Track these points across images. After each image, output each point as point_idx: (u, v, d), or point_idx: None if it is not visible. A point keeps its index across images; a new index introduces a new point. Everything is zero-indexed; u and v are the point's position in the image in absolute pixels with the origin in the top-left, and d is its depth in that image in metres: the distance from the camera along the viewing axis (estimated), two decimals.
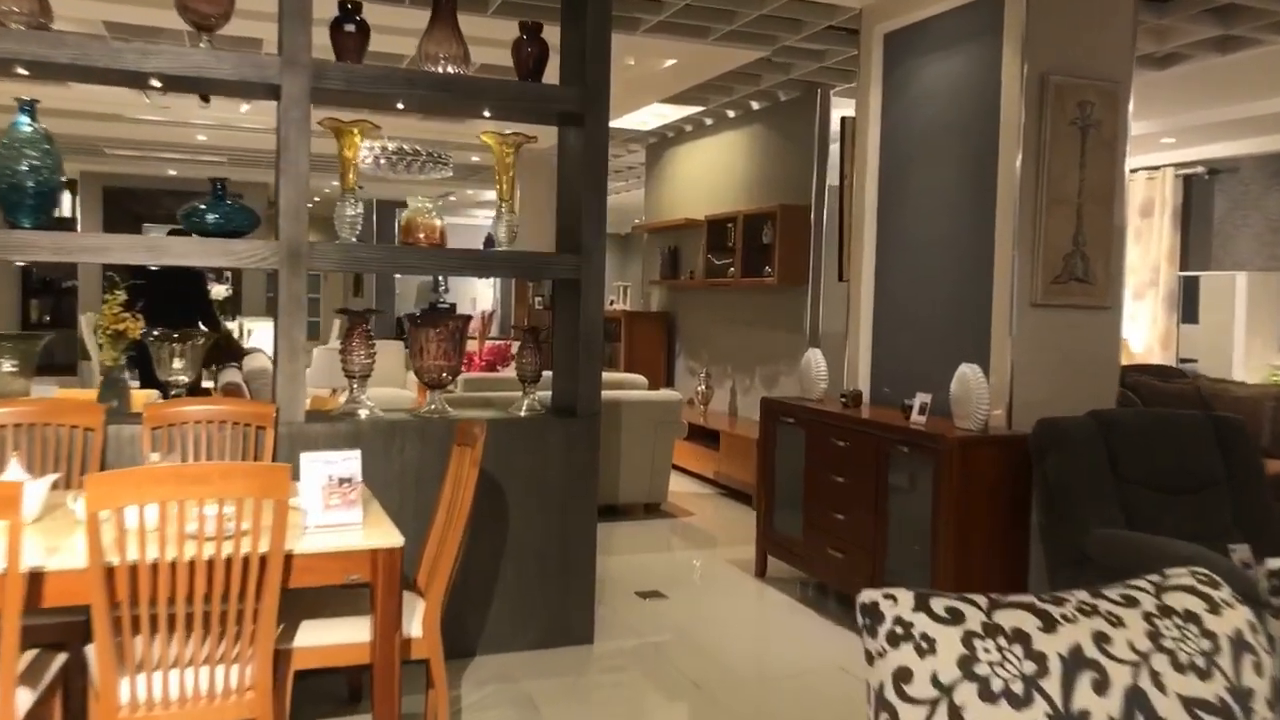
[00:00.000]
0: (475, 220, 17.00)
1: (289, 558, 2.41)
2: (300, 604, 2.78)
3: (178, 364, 3.54)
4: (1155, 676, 1.59)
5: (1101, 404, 4.07)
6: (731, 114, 8.22)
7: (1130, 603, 1.71)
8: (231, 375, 6.43)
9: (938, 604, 1.63)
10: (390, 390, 6.69)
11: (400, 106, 3.96)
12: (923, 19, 4.65)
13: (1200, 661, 1.64)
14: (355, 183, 3.79)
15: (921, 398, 4.14)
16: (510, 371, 6.54)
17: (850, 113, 6.55)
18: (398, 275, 16.49)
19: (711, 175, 8.65)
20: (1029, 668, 1.54)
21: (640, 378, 6.75)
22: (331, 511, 2.61)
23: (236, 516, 2.26)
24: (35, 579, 2.24)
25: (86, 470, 3.24)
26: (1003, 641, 1.58)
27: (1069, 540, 3.57)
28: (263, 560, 2.30)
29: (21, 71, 3.39)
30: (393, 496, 3.62)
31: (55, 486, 2.94)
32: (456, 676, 3.61)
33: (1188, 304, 8.92)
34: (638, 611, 4.49)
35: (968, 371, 3.92)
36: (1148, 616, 1.69)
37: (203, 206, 3.63)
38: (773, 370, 7.63)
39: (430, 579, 2.96)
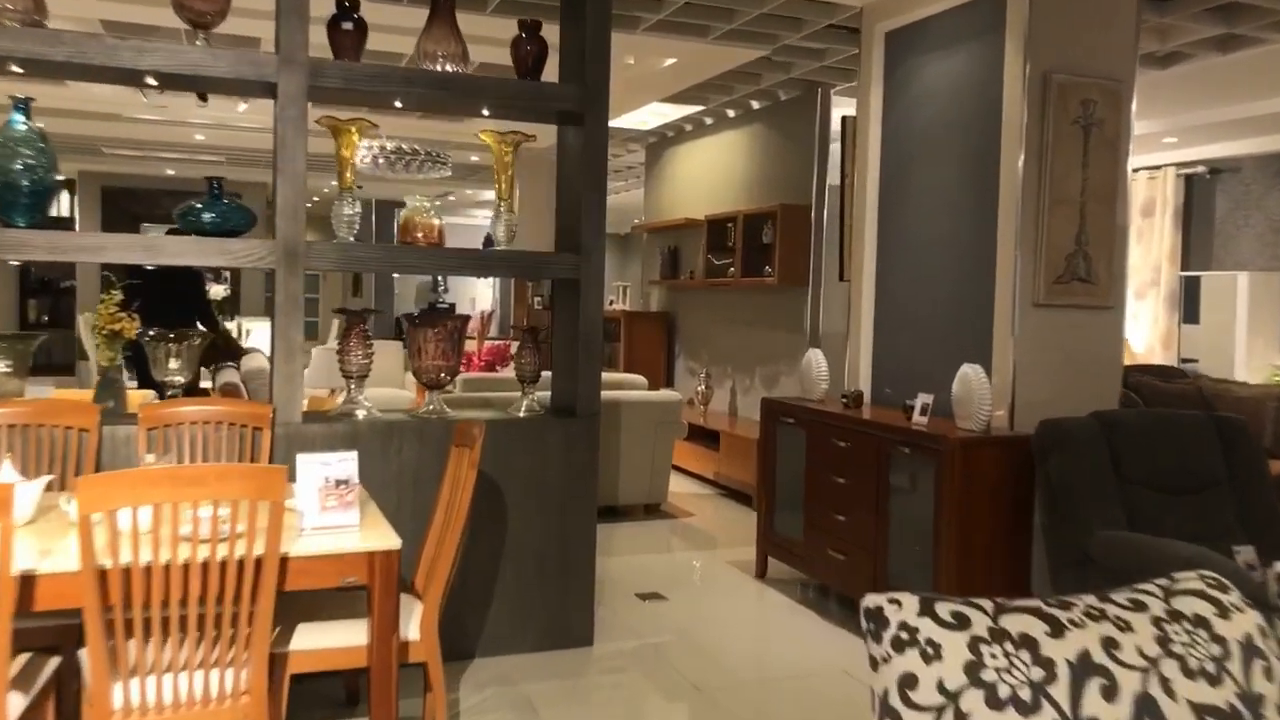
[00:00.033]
0: (474, 220, 16.98)
1: (284, 560, 2.38)
2: (296, 606, 2.75)
3: (173, 364, 3.51)
4: (1165, 683, 1.56)
5: (1104, 404, 4.05)
6: (731, 113, 8.19)
7: (1139, 607, 1.69)
8: (229, 375, 6.41)
9: (943, 609, 1.60)
10: (389, 390, 6.65)
11: (398, 105, 3.93)
12: (924, 17, 4.63)
13: (1210, 667, 1.62)
14: (353, 182, 3.76)
15: (923, 398, 4.11)
16: (509, 372, 6.52)
17: (851, 112, 6.52)
18: (397, 275, 16.47)
19: (711, 175, 8.63)
20: (1037, 674, 1.51)
21: (640, 378, 6.73)
22: (328, 513, 2.58)
23: (231, 519, 2.24)
24: (27, 582, 2.21)
25: (82, 472, 3.21)
26: (1010, 647, 1.56)
27: (1072, 541, 3.54)
28: (258, 563, 2.27)
29: (16, 69, 3.36)
30: (390, 498, 3.60)
31: (49, 488, 2.91)
32: (455, 679, 3.59)
33: (1188, 304, 8.90)
34: (638, 613, 4.46)
35: (970, 372, 3.90)
36: (1157, 621, 1.67)
37: (199, 205, 3.60)
38: (773, 370, 7.60)
39: (428, 581, 2.93)
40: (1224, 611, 1.71)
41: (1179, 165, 8.69)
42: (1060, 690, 1.50)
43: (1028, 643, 1.57)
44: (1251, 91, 6.49)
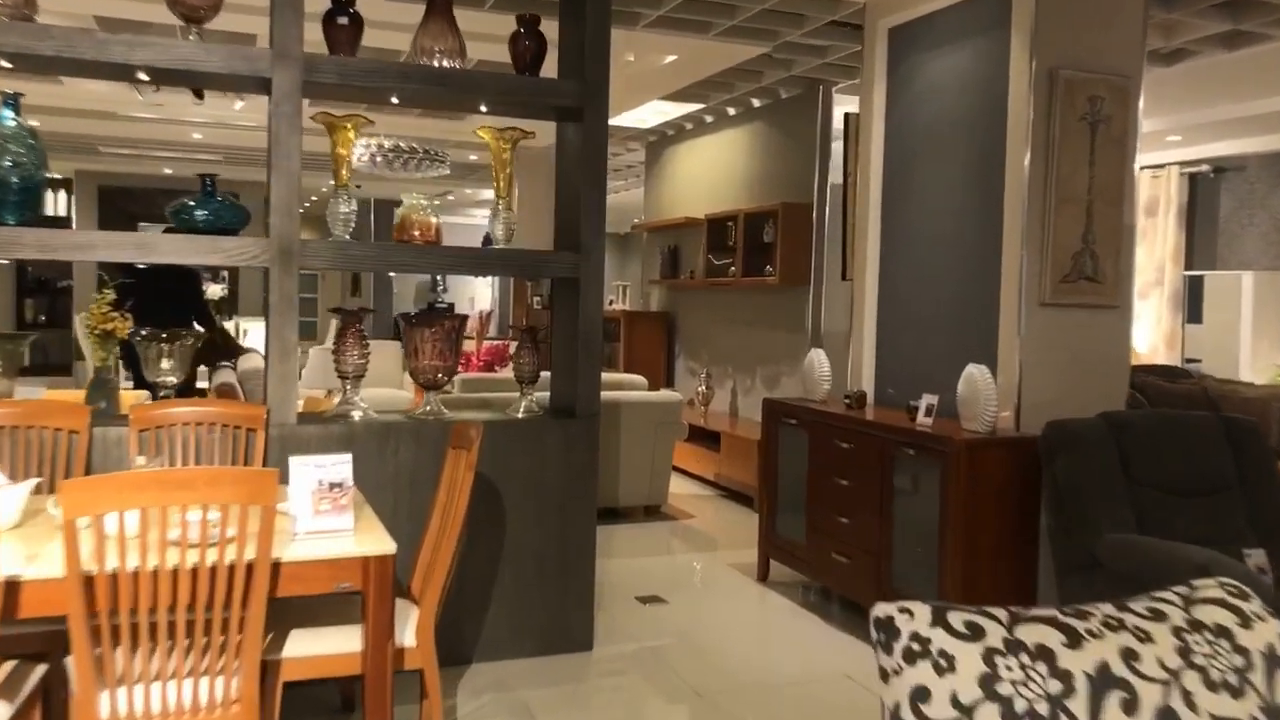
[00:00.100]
0: (474, 220, 16.92)
1: (276, 566, 2.32)
2: (290, 612, 2.70)
3: (166, 364, 3.45)
4: (1187, 695, 1.51)
5: (1111, 405, 3.99)
6: (732, 111, 8.14)
7: (1158, 617, 1.63)
8: (225, 376, 6.35)
9: (956, 618, 1.54)
10: (387, 391, 6.60)
11: (394, 100, 3.87)
12: (928, 13, 4.57)
13: (1233, 679, 1.56)
14: (349, 179, 3.70)
15: (928, 399, 4.06)
16: (508, 372, 6.46)
17: (853, 109, 6.48)
18: (397, 275, 16.41)
19: (712, 173, 8.57)
20: (1054, 687, 1.46)
21: (640, 378, 6.67)
22: (321, 517, 2.52)
23: (222, 523, 2.18)
24: (11, 588, 2.15)
25: (72, 474, 3.15)
26: (1026, 659, 1.50)
27: (1080, 544, 3.49)
28: (249, 568, 2.21)
29: (5, 64, 3.30)
30: (386, 500, 3.54)
31: (38, 491, 2.86)
32: (452, 685, 3.53)
33: (1192, 304, 8.84)
34: (638, 617, 4.41)
35: (975, 372, 3.84)
36: (1177, 631, 1.61)
37: (192, 203, 3.54)
38: (774, 371, 7.55)
39: (424, 586, 2.87)
40: (1246, 621, 1.66)
41: (1183, 164, 8.64)
42: (1079, 704, 1.44)
43: (1044, 654, 1.51)
44: (1257, 89, 6.43)
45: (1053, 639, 1.53)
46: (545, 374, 4.09)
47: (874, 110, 4.92)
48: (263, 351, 5.37)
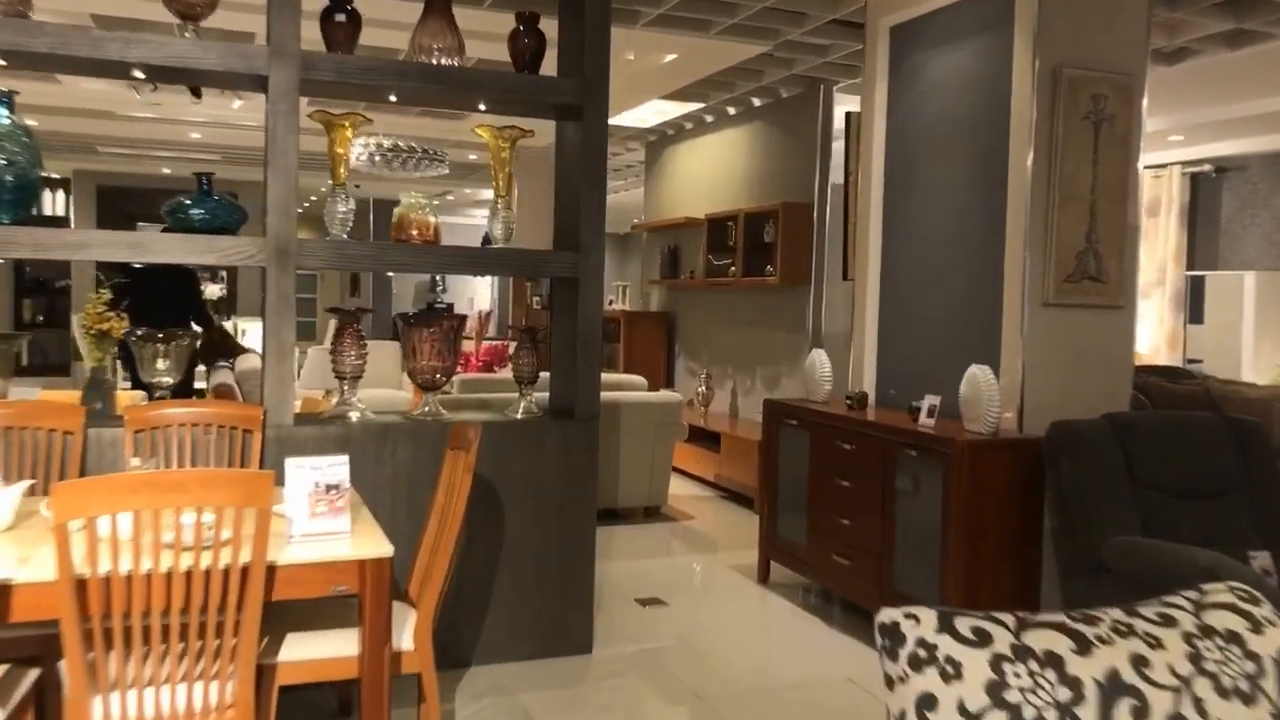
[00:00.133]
0: (473, 220, 16.89)
1: (272, 569, 2.29)
2: (287, 615, 2.67)
3: (161, 364, 3.42)
4: (1198, 703, 1.48)
5: (1114, 406, 3.96)
6: (732, 111, 8.11)
7: (1168, 622, 1.60)
8: (223, 376, 6.32)
9: (963, 624, 1.51)
10: (386, 391, 6.58)
11: (392, 99, 3.84)
12: (930, 11, 4.54)
13: (1244, 685, 1.53)
14: (346, 178, 3.68)
15: (930, 400, 4.03)
16: (508, 372, 6.43)
17: (855, 108, 6.45)
18: (396, 275, 16.37)
19: (712, 173, 8.55)
20: (1063, 694, 1.43)
21: (640, 379, 6.64)
22: (318, 520, 2.49)
23: (216, 526, 2.15)
24: (3, 591, 2.12)
25: (66, 476, 3.12)
26: (1034, 665, 1.47)
27: (1084, 547, 3.46)
28: (244, 572, 2.18)
29: None
30: (384, 502, 3.51)
31: (32, 493, 2.83)
32: (450, 688, 3.50)
33: (1193, 304, 8.81)
34: (637, 619, 4.38)
35: (978, 373, 3.81)
36: (1188, 637, 1.58)
37: (188, 202, 3.51)
38: (774, 371, 7.52)
39: (422, 589, 2.84)
40: (1257, 626, 1.63)
41: (1185, 164, 8.61)
42: (1089, 712, 1.42)
43: (1053, 661, 1.48)
44: (1260, 88, 6.40)
45: (1061, 645, 1.50)
46: (544, 374, 4.06)
47: (875, 109, 4.89)
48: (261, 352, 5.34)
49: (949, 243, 4.42)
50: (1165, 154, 8.48)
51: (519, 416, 3.91)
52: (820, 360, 4.84)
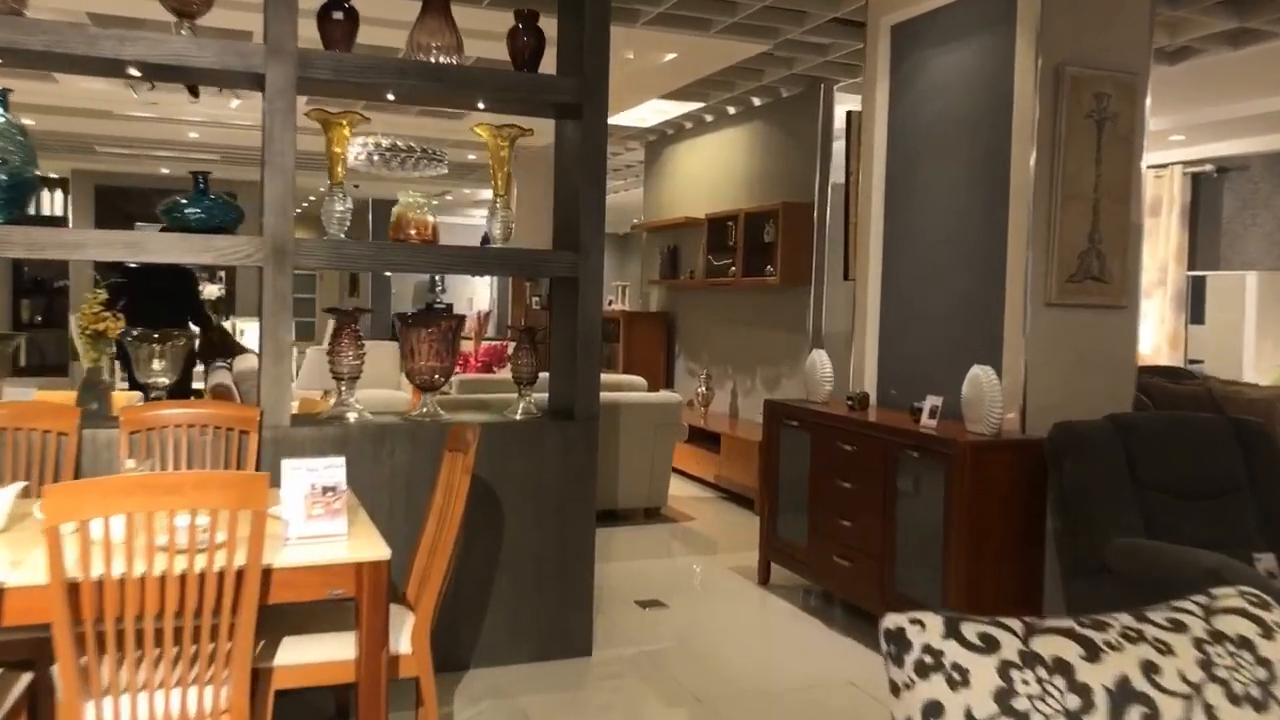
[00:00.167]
0: (472, 220, 16.86)
1: (267, 572, 2.26)
2: (283, 619, 2.64)
3: (157, 365, 3.39)
4: (1209, 710, 1.45)
5: (1117, 406, 3.93)
6: (732, 110, 8.08)
7: (1178, 627, 1.57)
8: (221, 377, 6.29)
9: (969, 630, 1.49)
10: (385, 392, 6.55)
11: (391, 97, 3.81)
12: (931, 9, 4.51)
13: (1255, 692, 1.51)
14: (344, 177, 3.65)
15: (932, 400, 4.00)
16: (507, 373, 6.40)
17: (855, 107, 6.42)
18: (395, 275, 16.35)
19: (712, 173, 8.52)
20: (1072, 702, 1.40)
21: (639, 379, 6.61)
22: (314, 522, 2.46)
23: (210, 529, 2.12)
24: None
25: (61, 477, 3.09)
26: (1043, 672, 1.45)
27: (1087, 548, 3.43)
28: (239, 575, 2.15)
29: None
30: (382, 504, 3.48)
31: (26, 495, 2.80)
32: (449, 692, 3.47)
33: (1194, 304, 8.79)
34: (637, 621, 4.35)
35: (980, 373, 3.78)
36: (1198, 643, 1.55)
37: (184, 201, 3.48)
38: (774, 372, 7.49)
39: (420, 592, 2.82)
40: (1268, 631, 1.61)
41: (1186, 164, 8.58)
42: None
43: (1062, 667, 1.45)
44: (1262, 87, 6.38)
45: (1070, 651, 1.47)
46: (544, 375, 4.04)
47: (876, 108, 4.86)
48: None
49: (950, 242, 4.39)
50: (1166, 154, 8.45)
51: (518, 417, 3.88)
52: (821, 360, 4.81)
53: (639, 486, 6.22)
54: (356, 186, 12.44)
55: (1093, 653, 1.47)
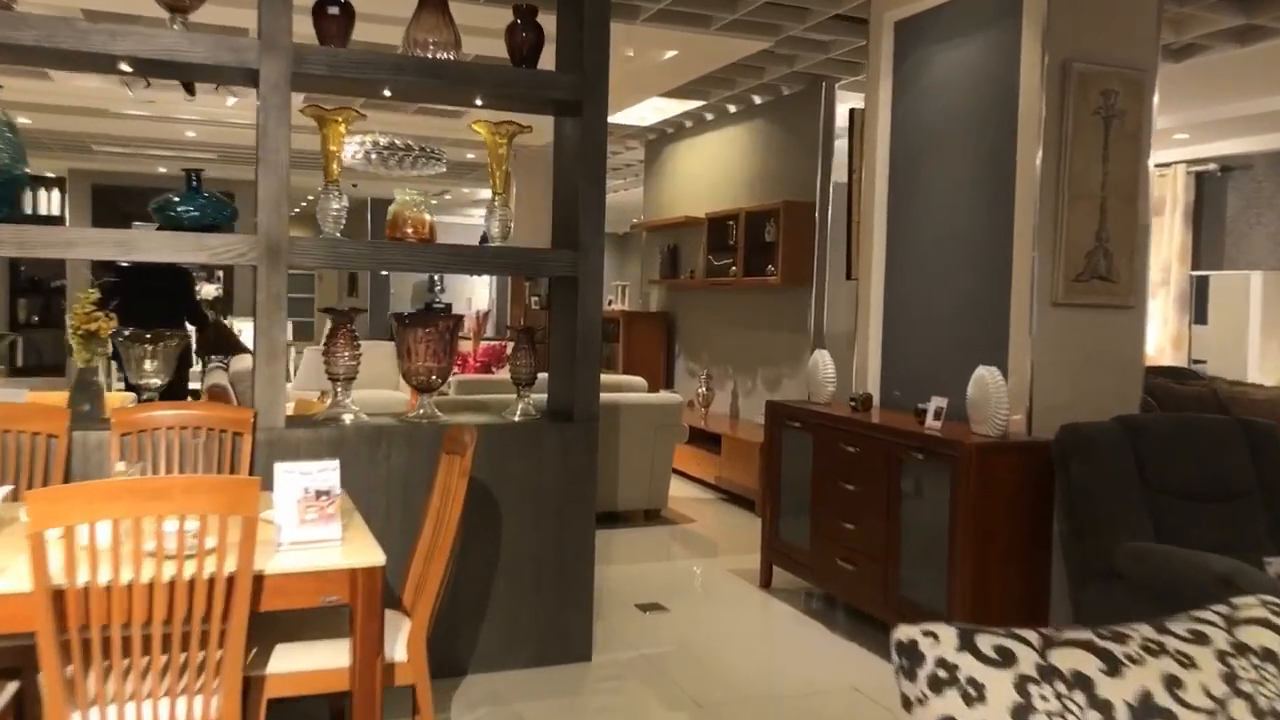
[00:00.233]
0: (471, 219, 16.81)
1: (259, 578, 2.21)
2: (276, 625, 2.58)
3: (149, 365, 3.33)
4: None
5: (1125, 408, 3.88)
6: (733, 109, 8.02)
7: (1200, 639, 1.52)
8: (218, 377, 6.24)
9: (985, 642, 1.43)
10: (384, 392, 6.50)
11: (387, 94, 3.76)
12: (936, 5, 4.45)
13: None
14: (339, 175, 3.59)
15: (936, 401, 3.94)
16: (506, 373, 6.34)
17: (856, 105, 6.36)
18: (394, 275, 16.29)
19: (712, 172, 8.46)
20: (1093, 718, 1.35)
21: (639, 380, 6.56)
22: (307, 527, 2.41)
23: (200, 534, 2.06)
24: None
25: (50, 481, 3.04)
26: (1061, 687, 1.39)
27: (1095, 552, 3.37)
28: (229, 581, 2.09)
29: None
30: (378, 506, 3.43)
31: (13, 498, 2.75)
32: (446, 698, 3.41)
33: (1197, 304, 8.73)
34: (637, 625, 4.29)
35: (985, 374, 3.73)
36: (1221, 655, 1.50)
37: (176, 199, 3.43)
38: (775, 372, 7.43)
39: (416, 597, 2.76)
40: None
41: (1189, 162, 8.53)
42: None
43: (1081, 682, 1.40)
44: (1268, 86, 6.32)
45: (1090, 665, 1.42)
46: (543, 376, 3.98)
47: (879, 106, 4.81)
48: None
49: (955, 241, 4.34)
50: (1170, 153, 8.40)
51: (516, 419, 3.82)
52: (824, 361, 4.75)
53: (639, 488, 6.16)
54: (355, 186, 12.39)
55: (1113, 666, 1.42)
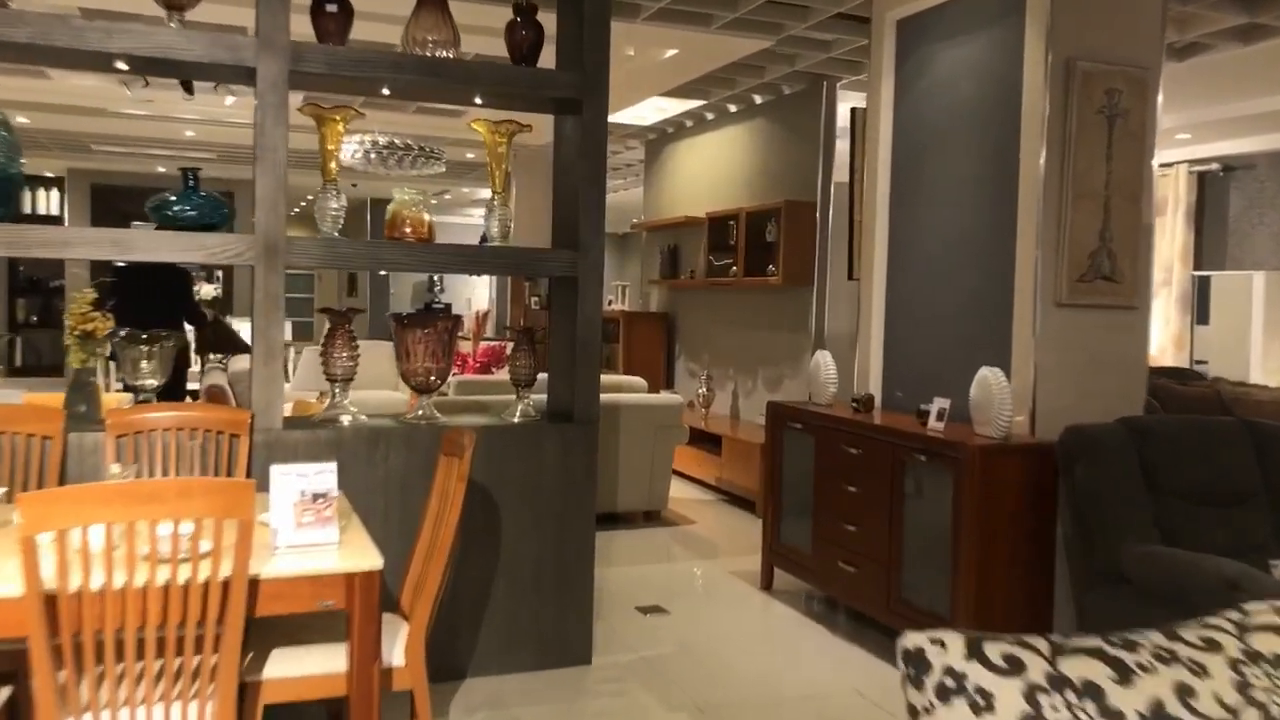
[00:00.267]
0: (471, 219, 16.78)
1: (255, 582, 2.18)
2: (274, 630, 2.55)
3: (145, 366, 3.30)
4: None
5: (1129, 409, 3.85)
6: (733, 108, 7.99)
7: (1212, 646, 1.49)
8: (216, 377, 6.21)
9: (993, 650, 1.40)
10: (383, 393, 6.46)
11: (386, 92, 3.73)
12: (938, 3, 4.42)
13: None
14: (337, 174, 3.57)
15: (939, 403, 3.91)
16: (506, 374, 6.31)
17: (858, 104, 6.33)
18: (394, 274, 16.27)
19: (713, 171, 8.43)
20: None
21: (639, 380, 6.53)
22: (304, 530, 2.37)
23: (194, 537, 2.03)
24: None
25: (45, 483, 3.01)
26: (1072, 696, 1.36)
27: (1101, 556, 3.34)
28: (225, 586, 2.07)
29: None
30: (377, 508, 3.40)
31: (7, 501, 2.72)
32: (444, 702, 3.38)
33: (1199, 304, 8.71)
34: (637, 628, 4.26)
35: (989, 375, 3.70)
36: (1234, 664, 1.47)
37: (173, 198, 3.40)
38: (776, 373, 7.40)
39: (415, 601, 2.73)
40: None
41: (1192, 162, 8.50)
42: None
43: (1092, 691, 1.37)
44: (1271, 85, 6.29)
45: (1100, 673, 1.39)
46: (543, 376, 3.95)
47: (881, 105, 4.78)
48: None
49: (958, 241, 4.31)
50: (1172, 152, 8.37)
51: (516, 420, 3.80)
52: (825, 362, 4.72)
53: (639, 489, 6.13)
54: (354, 185, 12.36)
55: (1124, 675, 1.39)
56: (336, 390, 3.57)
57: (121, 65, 3.26)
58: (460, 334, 3.99)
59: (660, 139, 9.36)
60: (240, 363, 6.24)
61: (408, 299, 17.18)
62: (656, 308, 9.44)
